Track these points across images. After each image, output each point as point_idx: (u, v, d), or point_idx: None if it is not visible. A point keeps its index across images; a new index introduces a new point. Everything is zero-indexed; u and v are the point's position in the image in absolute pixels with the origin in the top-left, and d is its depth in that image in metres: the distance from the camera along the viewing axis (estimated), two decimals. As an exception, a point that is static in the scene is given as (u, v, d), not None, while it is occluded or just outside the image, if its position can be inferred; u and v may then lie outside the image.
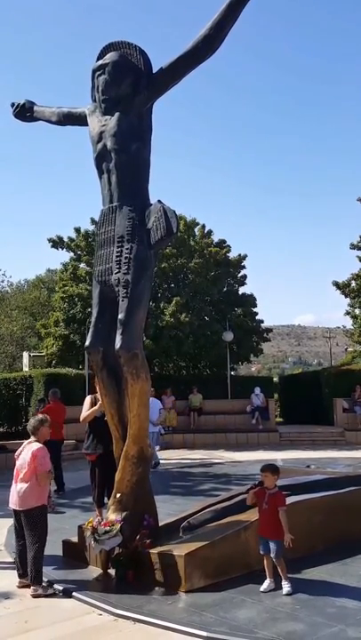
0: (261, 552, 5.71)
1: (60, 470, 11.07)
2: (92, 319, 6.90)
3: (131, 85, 6.75)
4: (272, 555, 5.61)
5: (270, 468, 5.87)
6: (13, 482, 6.17)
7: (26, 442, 6.37)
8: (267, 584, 5.59)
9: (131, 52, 6.91)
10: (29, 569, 5.90)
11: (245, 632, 4.72)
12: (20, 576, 6.08)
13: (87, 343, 6.83)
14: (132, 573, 5.95)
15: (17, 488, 6.07)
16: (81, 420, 7.88)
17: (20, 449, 6.33)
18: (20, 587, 6.02)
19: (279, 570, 5.60)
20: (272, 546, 5.61)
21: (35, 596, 5.75)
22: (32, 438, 6.31)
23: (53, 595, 5.80)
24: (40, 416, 6.51)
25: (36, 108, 8.10)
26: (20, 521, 6.06)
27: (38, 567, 5.87)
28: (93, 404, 7.67)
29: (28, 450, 6.20)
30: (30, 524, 5.94)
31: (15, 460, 6.30)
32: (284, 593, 5.47)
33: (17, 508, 6.05)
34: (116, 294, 6.44)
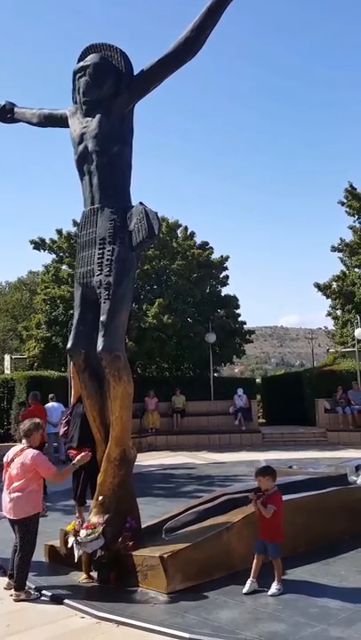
0: (255, 552, 5.70)
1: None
2: (74, 321, 6.87)
3: (112, 87, 6.76)
4: (270, 555, 5.64)
5: (260, 472, 5.88)
6: (5, 489, 5.98)
7: (17, 448, 6.15)
8: (249, 584, 5.58)
9: (112, 54, 6.91)
10: (14, 574, 5.83)
11: (228, 633, 4.73)
12: (11, 576, 5.97)
13: (69, 345, 6.79)
14: (114, 575, 5.94)
15: (10, 496, 5.88)
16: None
17: (12, 455, 6.09)
18: (7, 588, 5.93)
19: (275, 571, 5.62)
20: (269, 548, 5.65)
21: (17, 601, 5.70)
22: (24, 442, 6.15)
23: (36, 599, 5.76)
24: (36, 420, 6.34)
25: (16, 109, 8.08)
26: (14, 528, 5.95)
27: (23, 573, 5.81)
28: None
29: (23, 457, 5.98)
30: (22, 531, 5.85)
31: (5, 466, 6.11)
32: (269, 593, 5.48)
33: (12, 518, 5.89)
34: (98, 296, 6.42)
